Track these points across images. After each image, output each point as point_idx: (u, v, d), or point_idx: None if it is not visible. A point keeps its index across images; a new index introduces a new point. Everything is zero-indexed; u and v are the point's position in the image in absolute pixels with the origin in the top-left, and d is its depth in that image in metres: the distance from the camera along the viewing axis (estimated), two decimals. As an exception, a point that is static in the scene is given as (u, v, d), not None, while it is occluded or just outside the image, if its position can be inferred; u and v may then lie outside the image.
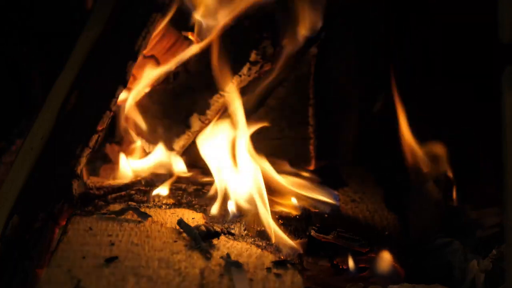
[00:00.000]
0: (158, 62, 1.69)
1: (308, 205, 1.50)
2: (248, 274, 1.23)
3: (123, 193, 1.56)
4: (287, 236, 1.38)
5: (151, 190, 1.56)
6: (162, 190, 1.56)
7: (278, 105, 1.64)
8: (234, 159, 1.53)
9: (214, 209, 1.48)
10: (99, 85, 1.50)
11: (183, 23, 1.65)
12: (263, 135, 1.61)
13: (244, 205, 1.46)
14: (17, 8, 1.83)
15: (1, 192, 1.39)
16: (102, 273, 1.21)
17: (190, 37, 1.65)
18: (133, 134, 1.73)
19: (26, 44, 1.84)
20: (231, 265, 1.24)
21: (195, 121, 1.64)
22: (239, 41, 1.61)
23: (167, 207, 1.50)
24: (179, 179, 1.63)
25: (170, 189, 1.57)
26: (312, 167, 1.68)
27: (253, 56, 1.59)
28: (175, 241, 1.33)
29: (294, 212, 1.48)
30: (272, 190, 1.52)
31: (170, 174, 1.62)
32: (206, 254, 1.28)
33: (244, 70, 1.59)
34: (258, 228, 1.40)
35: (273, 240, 1.36)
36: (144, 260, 1.26)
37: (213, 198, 1.52)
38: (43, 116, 1.46)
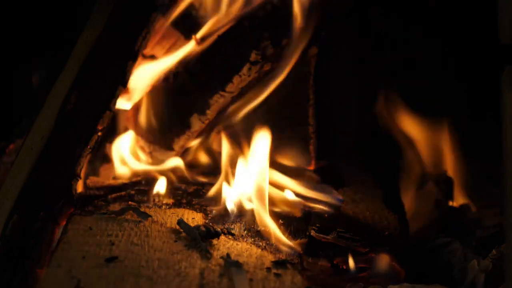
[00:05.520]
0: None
1: (309, 205, 1.51)
2: (248, 274, 1.23)
3: (123, 193, 1.56)
4: (287, 236, 1.38)
5: (151, 190, 1.56)
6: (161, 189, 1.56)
7: (278, 105, 1.64)
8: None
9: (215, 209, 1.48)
10: (99, 85, 1.50)
11: (183, 23, 1.65)
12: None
13: (245, 204, 1.46)
14: (17, 8, 1.83)
15: (1, 192, 1.39)
16: (102, 273, 1.21)
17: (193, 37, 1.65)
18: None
19: (26, 44, 1.84)
20: (231, 265, 1.24)
21: (195, 121, 1.64)
22: (239, 41, 1.61)
23: (167, 207, 1.50)
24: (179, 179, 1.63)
25: (170, 189, 1.58)
26: (312, 167, 1.67)
27: (253, 56, 1.58)
28: (175, 241, 1.33)
29: (294, 212, 1.49)
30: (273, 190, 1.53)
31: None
32: (206, 254, 1.28)
33: (244, 70, 1.59)
34: (258, 228, 1.40)
35: (273, 240, 1.36)
36: (144, 260, 1.26)
37: (214, 198, 1.53)
38: (43, 116, 1.46)
